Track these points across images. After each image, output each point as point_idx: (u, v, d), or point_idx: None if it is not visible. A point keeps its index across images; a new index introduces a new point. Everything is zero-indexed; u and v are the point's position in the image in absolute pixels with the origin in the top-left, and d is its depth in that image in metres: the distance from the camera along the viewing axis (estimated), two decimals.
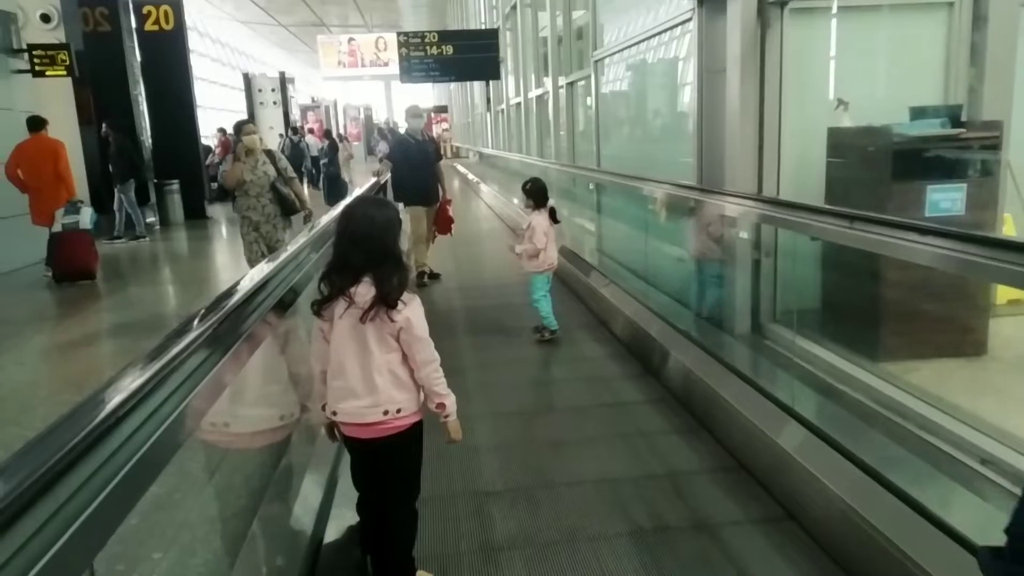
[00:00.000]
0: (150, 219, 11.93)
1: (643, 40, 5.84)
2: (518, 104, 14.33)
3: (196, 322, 1.63)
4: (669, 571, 2.37)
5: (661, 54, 5.63)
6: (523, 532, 2.61)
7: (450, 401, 2.15)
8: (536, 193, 4.78)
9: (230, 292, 2.02)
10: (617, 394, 4.02)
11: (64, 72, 9.44)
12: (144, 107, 12.55)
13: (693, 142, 4.61)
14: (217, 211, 15.24)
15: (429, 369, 2.10)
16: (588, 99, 8.83)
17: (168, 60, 12.55)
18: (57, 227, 7.84)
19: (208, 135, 17.63)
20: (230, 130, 16.38)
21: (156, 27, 12.30)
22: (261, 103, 25.60)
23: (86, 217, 7.97)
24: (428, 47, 14.22)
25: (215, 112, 30.64)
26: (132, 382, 1.21)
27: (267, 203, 5.58)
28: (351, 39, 30.62)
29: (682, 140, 5.05)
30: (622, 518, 2.68)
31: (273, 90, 25.69)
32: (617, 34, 6.65)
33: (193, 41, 28.68)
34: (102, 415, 1.09)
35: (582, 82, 8.69)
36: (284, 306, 2.39)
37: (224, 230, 12.56)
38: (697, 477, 3.00)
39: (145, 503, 1.17)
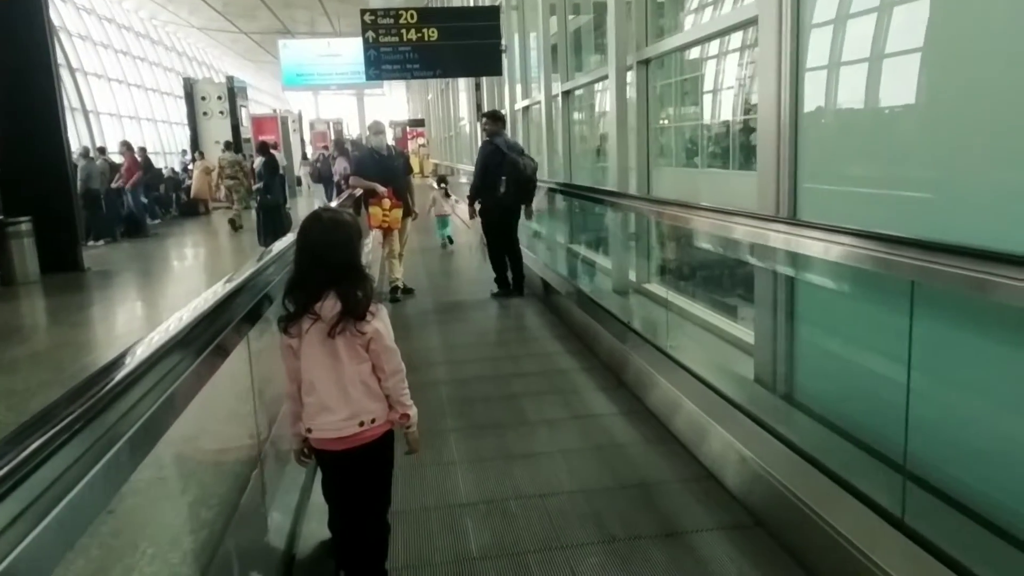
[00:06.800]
0: None
1: None
2: (524, 109, 10.47)
3: None
4: None
5: None
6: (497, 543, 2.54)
7: (413, 412, 2.14)
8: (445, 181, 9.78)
9: None
10: None
11: None
12: None
13: None
14: (112, 256, 11.10)
15: (396, 379, 2.09)
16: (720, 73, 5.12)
17: (18, 43, 8.51)
18: None
19: (114, 151, 13.51)
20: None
21: None
22: (205, 113, 21.54)
23: None
24: (404, 30, 10.30)
25: (165, 125, 26.72)
26: None
27: None
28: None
29: None
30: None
31: (220, 98, 21.64)
32: None
33: (128, 42, 24.86)
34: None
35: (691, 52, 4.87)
36: None
37: (106, 293, 8.49)
38: None
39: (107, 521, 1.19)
